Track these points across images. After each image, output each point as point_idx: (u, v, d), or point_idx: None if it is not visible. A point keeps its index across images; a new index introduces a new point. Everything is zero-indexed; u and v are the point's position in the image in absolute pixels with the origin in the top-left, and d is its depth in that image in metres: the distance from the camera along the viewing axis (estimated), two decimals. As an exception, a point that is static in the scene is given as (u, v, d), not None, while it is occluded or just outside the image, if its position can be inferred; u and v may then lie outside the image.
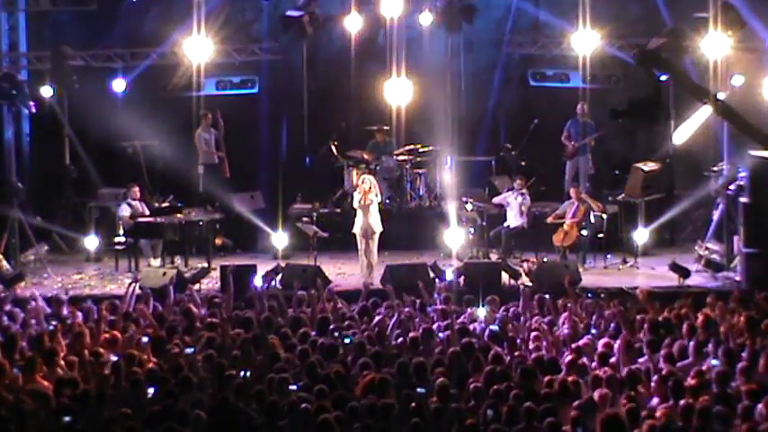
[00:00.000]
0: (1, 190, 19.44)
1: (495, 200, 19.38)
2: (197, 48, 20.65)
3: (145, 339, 12.58)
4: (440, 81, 21.79)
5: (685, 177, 20.65)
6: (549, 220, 18.93)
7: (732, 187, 17.89)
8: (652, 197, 19.95)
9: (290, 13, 21.15)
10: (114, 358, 11.64)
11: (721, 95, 18.04)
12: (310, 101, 22.10)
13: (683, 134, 19.73)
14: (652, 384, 10.57)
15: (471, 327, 13.02)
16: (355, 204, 17.58)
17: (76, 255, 20.09)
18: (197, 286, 16.66)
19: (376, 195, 17.43)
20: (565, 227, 18.68)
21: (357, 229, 17.36)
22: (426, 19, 21.39)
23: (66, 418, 9.90)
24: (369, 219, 17.26)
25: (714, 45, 18.46)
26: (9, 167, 19.36)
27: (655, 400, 10.29)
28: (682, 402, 9.87)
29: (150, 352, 12.15)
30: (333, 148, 20.97)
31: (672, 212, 19.93)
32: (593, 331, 12.83)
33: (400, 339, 12.55)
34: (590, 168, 20.70)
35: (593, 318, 13.32)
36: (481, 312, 13.70)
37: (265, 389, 10.48)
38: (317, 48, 21.96)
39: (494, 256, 18.72)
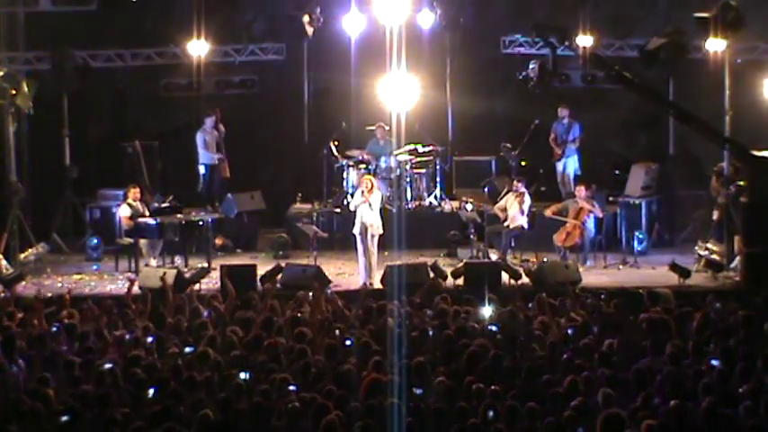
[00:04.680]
0: (1, 190, 19.44)
1: (497, 207, 19.30)
2: (197, 48, 20.66)
3: (149, 339, 12.61)
4: (440, 81, 21.79)
5: (685, 177, 20.65)
6: (548, 213, 18.86)
7: (732, 187, 17.89)
8: (652, 197, 19.96)
9: (290, 13, 21.15)
10: (114, 359, 11.65)
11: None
12: (310, 101, 22.10)
13: None
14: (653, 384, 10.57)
15: (473, 326, 13.03)
16: (352, 207, 17.53)
17: (76, 255, 20.09)
18: (197, 286, 16.66)
19: (375, 200, 17.33)
20: (567, 227, 18.67)
21: (356, 230, 17.34)
22: (426, 19, 21.40)
23: (64, 418, 9.90)
24: (368, 218, 17.23)
25: (714, 45, 18.45)
26: (9, 167, 19.35)
27: (655, 401, 10.28)
28: (681, 403, 9.88)
29: (152, 352, 12.16)
30: (333, 148, 20.97)
31: (672, 212, 19.92)
32: (596, 326, 12.83)
33: (400, 339, 12.55)
34: (577, 170, 20.68)
35: (594, 318, 13.32)
36: (486, 312, 13.67)
37: (266, 389, 10.49)
38: (317, 48, 21.95)
39: (494, 256, 18.72)
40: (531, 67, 17.80)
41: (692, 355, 11.54)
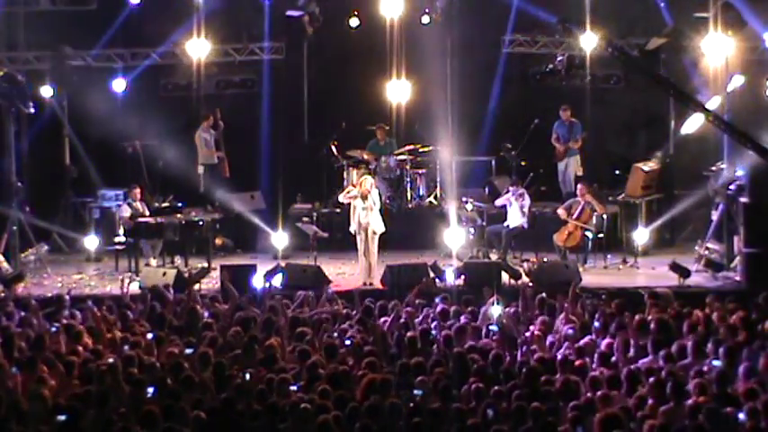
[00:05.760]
0: (1, 190, 19.44)
1: (498, 202, 19.31)
2: (197, 48, 20.65)
3: (149, 336, 12.62)
4: (440, 81, 21.78)
5: (685, 177, 20.64)
6: (560, 213, 18.79)
7: (732, 187, 17.88)
8: (652, 197, 19.95)
9: (290, 13, 21.16)
10: (113, 358, 11.64)
11: (715, 101, 18.11)
12: (310, 101, 22.11)
13: (691, 125, 19.64)
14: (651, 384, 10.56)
15: (479, 325, 13.06)
16: (341, 198, 17.61)
17: (76, 255, 20.08)
18: (197, 286, 16.64)
19: (376, 199, 17.34)
20: (569, 227, 18.64)
21: (353, 227, 17.32)
22: (426, 19, 21.40)
23: (61, 417, 9.90)
24: (366, 218, 17.21)
25: (714, 45, 18.45)
26: (9, 167, 19.34)
27: (655, 401, 10.27)
28: (682, 402, 9.88)
29: (152, 351, 12.17)
30: (333, 148, 20.97)
31: (672, 212, 19.92)
32: (596, 326, 12.82)
33: (400, 340, 12.55)
34: (578, 169, 20.68)
35: (594, 318, 13.30)
36: (495, 311, 13.64)
37: (265, 389, 10.49)
38: (317, 48, 21.96)
39: (494, 257, 18.71)
40: (558, 59, 17.84)
41: (692, 355, 11.54)
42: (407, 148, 20.90)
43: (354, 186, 17.95)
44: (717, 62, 18.66)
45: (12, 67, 20.48)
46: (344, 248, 18.82)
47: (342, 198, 17.92)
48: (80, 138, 21.30)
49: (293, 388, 10.71)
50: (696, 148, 20.48)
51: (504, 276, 17.03)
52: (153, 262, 18.67)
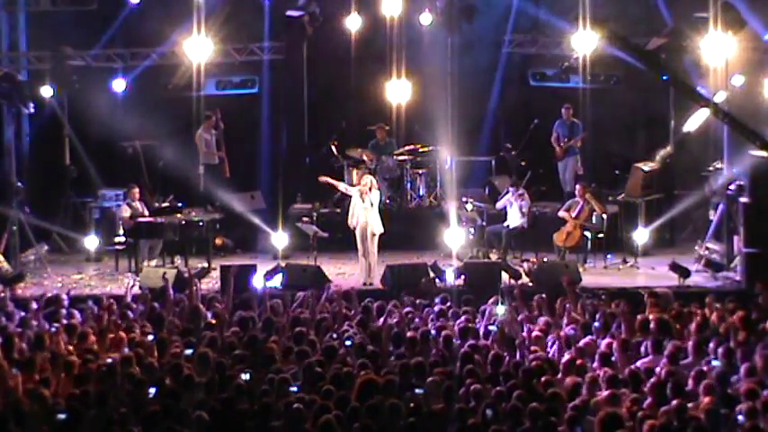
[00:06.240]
0: (1, 190, 19.44)
1: (499, 204, 19.31)
2: (197, 48, 20.66)
3: (150, 337, 12.62)
4: (440, 81, 21.78)
5: (685, 177, 20.64)
6: (562, 215, 18.79)
7: (732, 187, 17.88)
8: (652, 197, 19.95)
9: (290, 13, 21.16)
10: (113, 358, 11.64)
11: (721, 96, 18.10)
12: (310, 101, 22.11)
13: (693, 123, 19.62)
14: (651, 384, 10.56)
15: (480, 325, 13.06)
16: (342, 187, 17.77)
17: (76, 255, 20.08)
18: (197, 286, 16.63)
19: (374, 199, 17.34)
20: (568, 227, 18.64)
21: (351, 223, 17.31)
22: (426, 19, 21.41)
23: (61, 416, 9.91)
24: (366, 217, 17.22)
25: (714, 45, 18.44)
26: (9, 167, 19.35)
27: (655, 401, 10.27)
28: (682, 403, 9.88)
29: (152, 352, 12.17)
30: (333, 148, 20.98)
31: (672, 212, 19.92)
32: (596, 326, 12.82)
33: (399, 339, 12.54)
34: (578, 169, 20.69)
35: (595, 318, 13.30)
36: (500, 310, 13.63)
37: (267, 389, 10.49)
38: (317, 48, 21.96)
39: (494, 257, 18.72)
40: (574, 57, 17.79)
41: (692, 355, 11.54)
42: (407, 148, 20.91)
43: (355, 186, 17.99)
44: (717, 62, 18.64)
45: (12, 67, 20.47)
46: (344, 248, 18.82)
47: (329, 179, 18.06)
48: (80, 138, 21.30)
49: (293, 389, 10.71)
50: (696, 148, 20.48)
51: (504, 276, 17.04)
52: (152, 262, 18.65)
